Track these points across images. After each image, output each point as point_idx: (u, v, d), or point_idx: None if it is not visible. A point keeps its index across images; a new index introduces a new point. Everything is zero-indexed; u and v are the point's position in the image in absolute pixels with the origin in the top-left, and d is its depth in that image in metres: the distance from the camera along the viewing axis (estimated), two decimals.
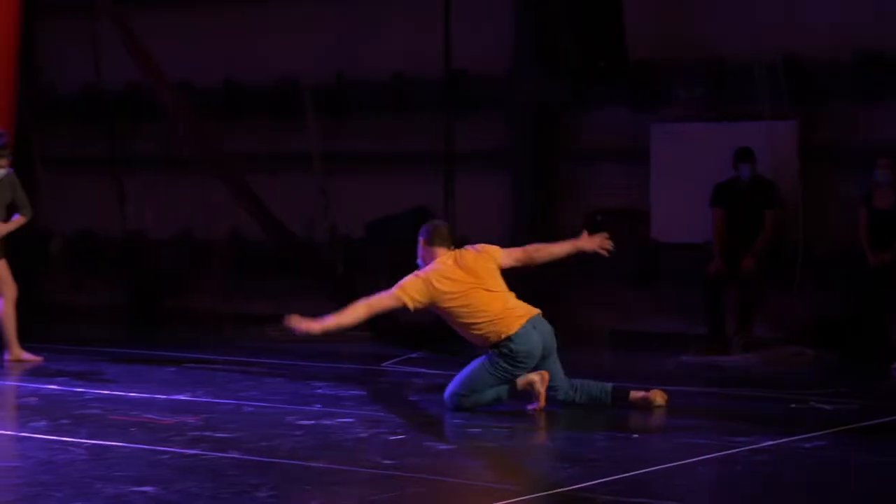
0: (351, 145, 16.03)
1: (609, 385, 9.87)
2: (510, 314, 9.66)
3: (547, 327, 9.85)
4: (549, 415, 9.60)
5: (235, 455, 8.08)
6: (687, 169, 14.00)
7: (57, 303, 16.95)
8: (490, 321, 9.61)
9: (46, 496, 7.02)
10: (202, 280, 16.71)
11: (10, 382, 11.49)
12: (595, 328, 14.56)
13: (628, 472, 7.73)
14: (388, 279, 14.93)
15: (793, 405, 10.19)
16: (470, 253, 9.83)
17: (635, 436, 8.94)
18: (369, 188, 15.84)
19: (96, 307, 16.68)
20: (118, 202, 16.83)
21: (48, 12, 17.49)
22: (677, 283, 14.14)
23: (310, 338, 9.59)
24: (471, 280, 9.69)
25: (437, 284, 9.61)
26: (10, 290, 12.24)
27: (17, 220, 12.35)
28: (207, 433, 8.78)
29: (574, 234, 14.59)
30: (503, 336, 9.58)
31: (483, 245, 10.00)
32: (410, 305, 9.61)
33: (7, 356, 12.27)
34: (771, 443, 8.56)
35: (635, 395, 9.86)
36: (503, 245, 10.15)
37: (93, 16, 15.79)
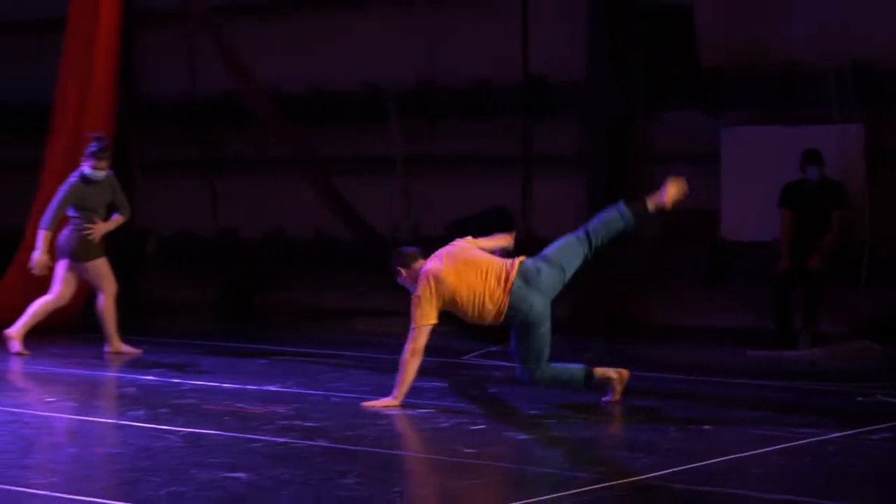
0: (433, 148, 16.05)
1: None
2: (498, 290, 9.45)
3: (538, 267, 9.58)
4: (624, 406, 9.56)
5: (323, 443, 8.12)
6: (756, 171, 13.91)
7: (154, 299, 17.08)
8: (486, 298, 9.43)
9: (145, 481, 7.08)
10: (291, 276, 16.81)
11: (111, 373, 11.59)
12: (666, 324, 14.50)
13: (700, 462, 7.69)
14: None
15: (859, 398, 10.10)
16: (446, 249, 9.67)
17: (706, 427, 8.88)
18: (451, 189, 15.85)
19: (191, 303, 16.80)
20: (211, 203, 16.94)
21: (146, 23, 17.63)
22: (746, 280, 14.06)
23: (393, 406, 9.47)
24: (457, 265, 9.49)
25: (441, 278, 9.39)
26: (110, 286, 12.34)
27: (116, 220, 12.44)
28: (297, 422, 8.82)
29: (646, 235, 14.66)
30: (503, 309, 9.42)
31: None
32: (434, 319, 9.43)
33: (107, 348, 12.37)
34: (838, 434, 8.48)
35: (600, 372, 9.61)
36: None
37: (188, 26, 15.91)
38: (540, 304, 9.45)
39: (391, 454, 7.89)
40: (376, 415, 9.14)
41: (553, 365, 9.52)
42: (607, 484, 7.11)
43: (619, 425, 9.10)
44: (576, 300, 14.66)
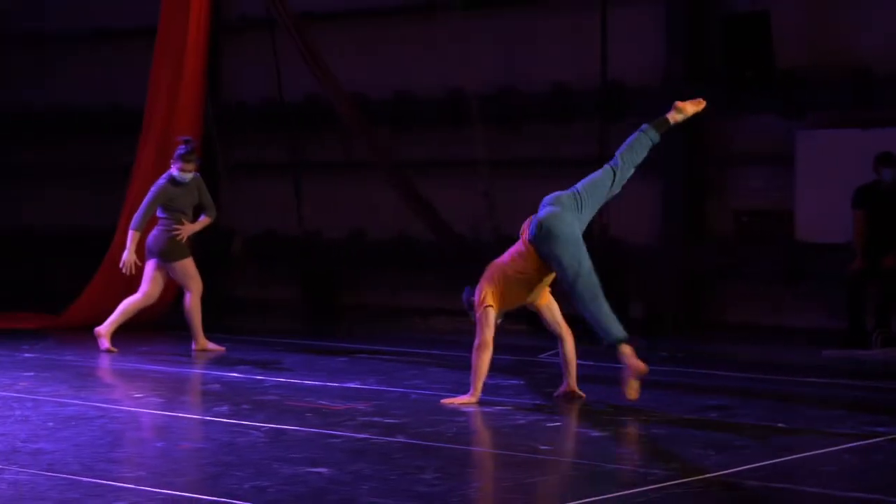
0: (514, 151, 16.03)
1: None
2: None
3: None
4: (698, 405, 9.49)
5: (402, 439, 8.11)
6: (831, 173, 13.80)
7: (239, 298, 17.19)
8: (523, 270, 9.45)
9: (229, 475, 7.11)
10: (372, 276, 16.85)
11: (196, 370, 11.66)
12: (741, 323, 14.40)
13: (773, 460, 7.62)
14: None
15: None
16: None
17: (780, 425, 8.79)
18: (531, 192, 15.78)
19: (275, 302, 16.89)
20: (295, 204, 17.01)
21: (233, 29, 17.77)
22: (821, 280, 13.92)
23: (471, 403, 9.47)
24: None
25: (496, 265, 9.54)
26: (197, 285, 12.42)
27: (203, 221, 12.52)
28: (376, 419, 8.83)
29: (721, 235, 14.57)
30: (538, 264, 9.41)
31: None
32: (494, 316, 9.48)
33: (193, 346, 12.45)
34: None
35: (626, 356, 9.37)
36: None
37: (274, 31, 16.00)
38: (561, 221, 9.35)
39: (468, 450, 7.88)
40: (454, 412, 9.13)
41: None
42: (681, 481, 7.05)
43: (692, 423, 9.01)
44: (652, 300, 14.63)
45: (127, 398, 10.15)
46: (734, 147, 14.85)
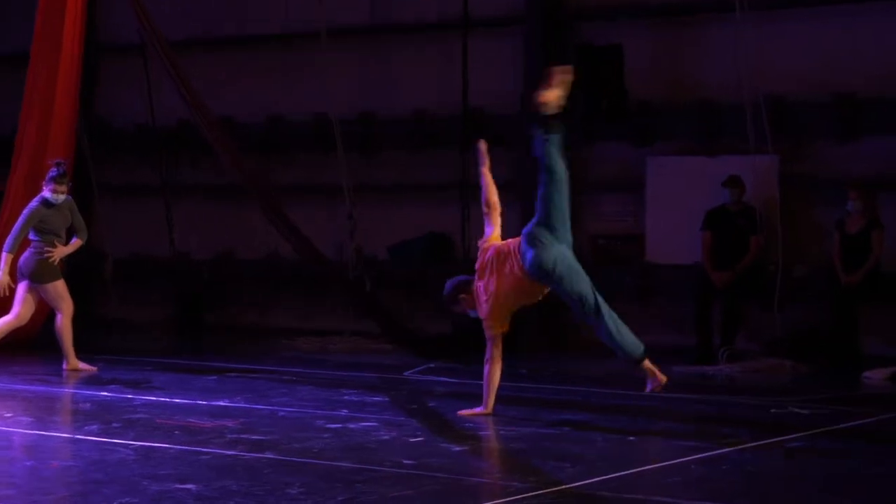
0: (375, 176, 16.03)
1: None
2: (517, 263, 9.55)
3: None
4: (554, 419, 9.55)
5: (270, 455, 8.04)
6: (678, 198, 14.02)
7: (110, 318, 16.95)
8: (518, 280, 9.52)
9: (97, 493, 6.98)
10: (240, 297, 16.73)
11: (67, 389, 11.46)
12: (596, 340, 14.49)
13: (625, 471, 7.68)
14: (407, 296, 15.07)
15: (773, 410, 10.15)
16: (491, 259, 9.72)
17: (632, 438, 8.88)
18: (393, 215, 15.84)
19: (145, 322, 16.68)
20: (167, 226, 16.82)
21: (107, 54, 17.56)
22: (670, 300, 14.12)
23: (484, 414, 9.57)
24: (497, 271, 9.60)
25: (500, 294, 9.52)
26: (68, 306, 12.23)
27: (75, 243, 12.33)
28: (245, 436, 8.74)
29: (578, 257, 14.64)
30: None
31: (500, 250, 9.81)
32: (503, 328, 9.60)
33: (65, 366, 12.24)
34: (754, 443, 8.52)
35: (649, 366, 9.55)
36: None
37: (147, 57, 15.83)
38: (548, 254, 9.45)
39: (334, 466, 7.83)
40: (321, 428, 9.08)
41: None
42: (538, 493, 7.07)
43: (549, 437, 9.06)
44: (513, 317, 14.68)
45: None
46: (590, 174, 15.00)
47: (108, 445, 8.31)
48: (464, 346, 13.85)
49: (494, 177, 15.29)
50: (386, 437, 8.80)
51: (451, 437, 8.94)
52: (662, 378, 9.50)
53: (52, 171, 12.16)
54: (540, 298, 9.74)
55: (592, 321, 9.51)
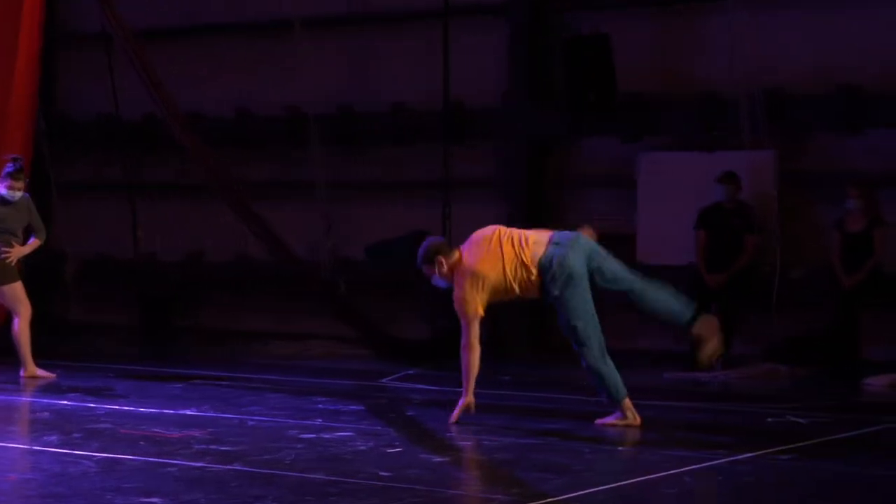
0: (353, 173, 16.03)
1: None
2: (530, 250, 9.59)
3: (579, 240, 9.71)
4: (539, 428, 9.56)
5: (239, 467, 8.03)
6: (671, 196, 14.01)
7: (70, 322, 16.91)
8: (518, 267, 9.55)
9: None
10: (209, 300, 16.71)
11: (25, 398, 11.42)
12: None
13: (614, 483, 7.69)
14: (386, 298, 15.06)
15: (770, 419, 10.17)
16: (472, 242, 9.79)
17: (621, 448, 8.89)
18: (371, 214, 15.83)
19: (108, 326, 16.64)
20: (131, 226, 16.78)
21: (67, 44, 17.51)
22: None
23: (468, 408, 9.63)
24: (489, 249, 9.63)
25: (479, 270, 9.53)
26: (26, 309, 12.19)
27: (33, 243, 12.28)
28: (213, 446, 8.72)
29: None
30: (532, 269, 9.52)
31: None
32: (482, 311, 9.56)
33: (22, 373, 12.20)
34: (750, 454, 8.52)
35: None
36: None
37: (110, 47, 15.79)
38: (577, 261, 9.52)
39: (307, 478, 7.82)
40: (293, 439, 9.07)
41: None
42: None
43: (534, 447, 9.06)
44: (498, 322, 14.68)
45: None
46: (576, 170, 15.01)
47: (69, 457, 8.29)
48: (443, 352, 13.87)
49: (476, 174, 15.40)
50: (362, 448, 8.79)
51: (430, 447, 8.94)
52: (636, 421, 9.55)
53: (8, 167, 12.13)
54: (512, 297, 9.70)
55: (576, 349, 9.61)
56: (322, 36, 16.13)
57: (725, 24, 13.93)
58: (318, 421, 9.80)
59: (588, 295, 9.58)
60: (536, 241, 9.64)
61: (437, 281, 9.74)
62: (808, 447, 8.91)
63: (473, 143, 15.40)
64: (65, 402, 10.73)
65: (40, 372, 12.21)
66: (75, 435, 9.12)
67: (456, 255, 9.69)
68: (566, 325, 9.57)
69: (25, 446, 8.96)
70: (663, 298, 9.80)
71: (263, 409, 10.40)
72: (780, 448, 8.75)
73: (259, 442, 8.92)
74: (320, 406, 10.58)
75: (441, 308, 14.77)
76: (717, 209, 13.43)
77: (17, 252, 12.12)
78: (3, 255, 12.03)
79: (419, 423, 10.04)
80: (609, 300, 14.38)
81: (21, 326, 12.15)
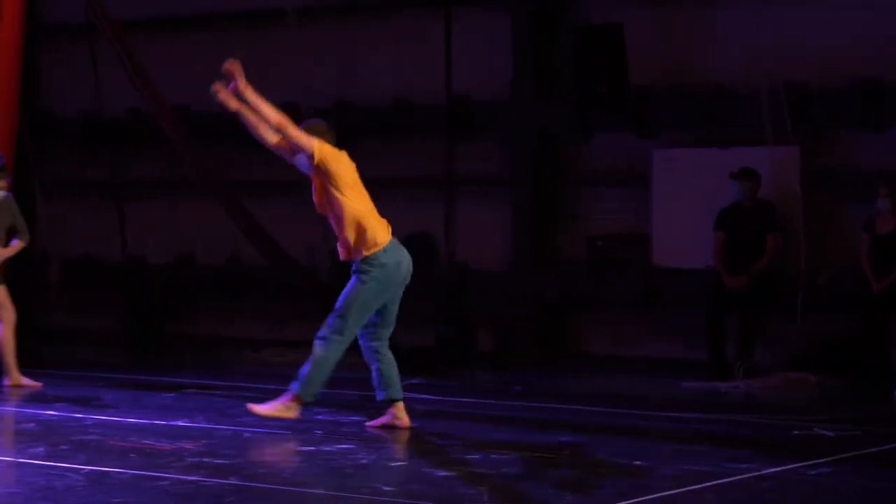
0: None
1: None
2: (381, 223, 9.96)
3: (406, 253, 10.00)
4: (552, 441, 9.54)
5: (235, 481, 8.02)
6: (688, 195, 13.99)
7: (55, 328, 16.91)
8: (365, 217, 9.88)
9: None
10: (201, 305, 16.70)
11: (9, 408, 11.43)
12: (597, 353, 14.53)
13: (630, 500, 7.67)
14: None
15: (795, 431, 10.15)
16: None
17: (637, 463, 8.87)
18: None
19: (95, 332, 16.65)
20: (118, 227, 16.78)
21: (50, 37, 17.50)
22: (679, 308, 14.10)
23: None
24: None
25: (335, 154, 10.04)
26: (10, 315, 12.19)
27: (16, 245, 12.28)
28: (207, 459, 8.72)
29: (574, 260, 14.68)
30: (371, 244, 9.78)
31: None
32: (317, 156, 10.08)
33: (6, 382, 12.21)
34: (775, 469, 8.51)
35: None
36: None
37: (94, 39, 15.79)
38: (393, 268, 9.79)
39: (307, 493, 7.82)
40: (292, 451, 9.06)
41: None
42: None
43: (546, 461, 9.06)
44: (504, 328, 14.70)
45: None
46: (586, 167, 15.00)
47: (56, 470, 8.28)
48: (447, 360, 13.87)
49: (483, 171, 15.38)
50: (364, 461, 8.78)
51: (434, 461, 8.93)
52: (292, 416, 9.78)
53: None
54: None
55: (326, 328, 9.85)
56: (316, 25, 16.12)
57: (745, 13, 13.92)
58: (318, 433, 9.79)
59: (373, 300, 9.81)
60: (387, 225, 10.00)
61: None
62: (837, 462, 8.88)
63: (479, 138, 15.38)
64: (51, 413, 10.73)
65: (25, 381, 12.21)
66: (62, 447, 9.12)
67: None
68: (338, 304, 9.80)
69: (10, 458, 8.96)
70: (392, 367, 10.05)
71: (258, 420, 10.35)
72: (806, 462, 8.73)
73: (256, 455, 8.94)
74: (319, 417, 10.55)
75: (445, 316, 14.82)
76: (736, 208, 13.40)
77: (0, 255, 12.12)
78: None
79: (422, 434, 10.03)
80: (619, 307, 14.49)
81: (5, 333, 12.16)
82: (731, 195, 13.43)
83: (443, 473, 8.49)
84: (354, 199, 9.94)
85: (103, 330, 16.68)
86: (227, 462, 8.63)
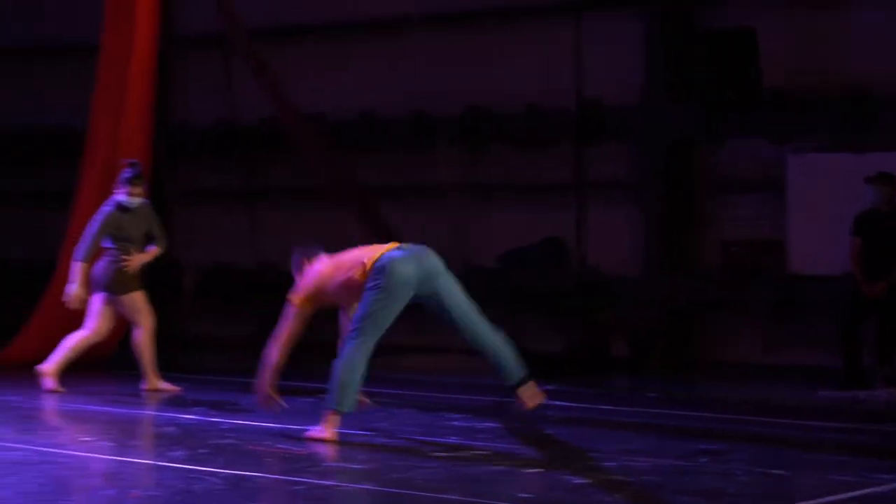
0: (482, 176, 16.01)
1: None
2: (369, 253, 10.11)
3: (424, 253, 10.13)
4: (689, 449, 9.46)
5: (370, 486, 8.05)
6: (825, 201, 13.82)
7: (192, 334, 17.08)
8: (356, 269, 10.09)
9: None
10: (336, 314, 16.73)
11: (149, 412, 11.56)
12: (731, 361, 14.39)
13: None
14: (522, 310, 15.00)
15: None
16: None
17: (775, 472, 8.76)
18: (503, 218, 15.80)
19: (231, 339, 16.78)
20: (250, 234, 16.92)
21: (183, 48, 17.70)
22: (815, 315, 13.92)
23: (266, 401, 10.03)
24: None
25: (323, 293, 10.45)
26: (148, 320, 12.32)
27: (153, 251, 12.42)
28: (342, 464, 8.76)
29: (708, 266, 14.54)
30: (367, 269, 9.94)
31: None
32: (309, 309, 10.36)
33: (145, 386, 12.34)
34: None
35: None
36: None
37: (227, 50, 15.94)
38: (406, 268, 9.91)
39: (443, 499, 7.81)
40: (428, 457, 9.07)
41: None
42: None
43: (683, 469, 8.98)
44: (637, 336, 14.62)
45: (74, 442, 10.06)
46: (720, 172, 14.87)
47: (195, 473, 8.36)
48: (580, 366, 13.82)
49: (611, 177, 15.30)
50: (499, 469, 8.76)
51: (571, 468, 8.88)
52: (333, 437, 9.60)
53: (126, 172, 12.27)
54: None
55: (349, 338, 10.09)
56: (444, 32, 16.14)
57: (882, 15, 13.71)
58: (453, 439, 9.79)
59: (393, 305, 9.87)
60: (380, 247, 10.14)
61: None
62: None
63: (610, 143, 15.31)
64: (189, 416, 10.85)
65: (163, 385, 12.34)
66: (200, 450, 9.20)
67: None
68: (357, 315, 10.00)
69: (150, 461, 9.07)
70: (499, 352, 9.96)
71: (392, 426, 10.42)
72: None
73: (389, 460, 8.94)
74: (455, 423, 10.57)
75: (576, 321, 14.77)
76: (874, 214, 13.20)
77: (137, 260, 12.25)
78: (123, 264, 12.17)
79: (557, 441, 10.00)
80: (753, 314, 14.33)
81: (143, 338, 12.29)
82: (868, 200, 13.22)
83: (579, 481, 8.45)
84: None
85: (238, 336, 16.80)
86: (361, 467, 8.67)
